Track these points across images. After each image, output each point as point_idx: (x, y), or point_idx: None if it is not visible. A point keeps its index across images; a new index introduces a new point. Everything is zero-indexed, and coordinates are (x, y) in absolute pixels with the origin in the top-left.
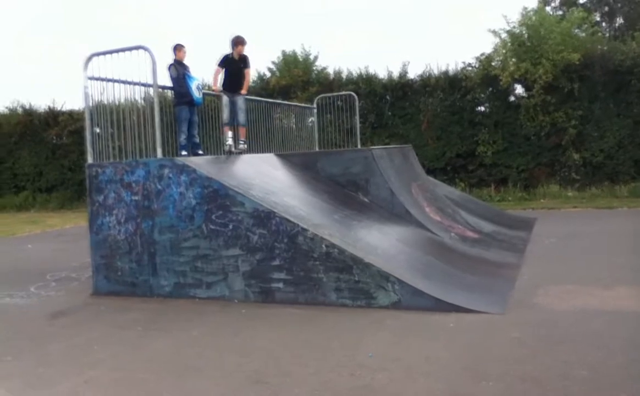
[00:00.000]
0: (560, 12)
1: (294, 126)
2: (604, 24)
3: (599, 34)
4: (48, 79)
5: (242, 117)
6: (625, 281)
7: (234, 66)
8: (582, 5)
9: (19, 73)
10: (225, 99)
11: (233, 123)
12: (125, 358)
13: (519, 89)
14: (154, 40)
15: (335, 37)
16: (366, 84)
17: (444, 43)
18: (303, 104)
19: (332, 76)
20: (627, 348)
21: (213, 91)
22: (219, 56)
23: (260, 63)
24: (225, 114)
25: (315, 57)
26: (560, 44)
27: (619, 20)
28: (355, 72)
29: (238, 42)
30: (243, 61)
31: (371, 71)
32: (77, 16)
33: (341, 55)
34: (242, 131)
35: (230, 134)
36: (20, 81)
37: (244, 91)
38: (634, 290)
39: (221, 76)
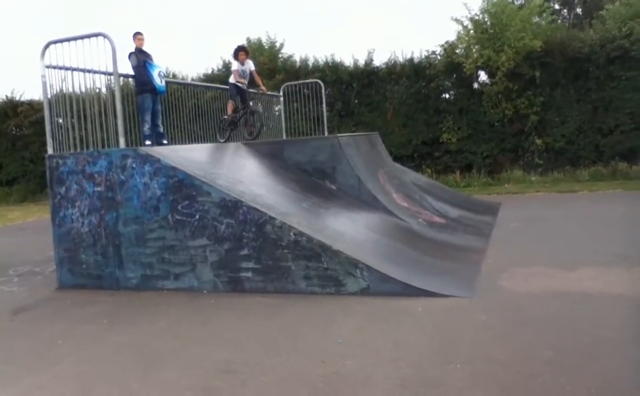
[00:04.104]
0: (520, 1)
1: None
2: (565, 11)
3: (558, 22)
4: None
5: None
6: (587, 263)
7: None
8: None
9: (18, 74)
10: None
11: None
12: (91, 351)
13: (483, 76)
14: (154, 40)
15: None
16: (332, 72)
17: (413, 30)
18: (269, 92)
19: (298, 64)
20: (590, 328)
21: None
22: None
23: (225, 52)
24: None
25: (281, 45)
26: (522, 31)
27: (578, 10)
28: (321, 60)
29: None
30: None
31: (337, 58)
32: (77, 16)
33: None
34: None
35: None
36: (20, 81)
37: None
38: (597, 271)
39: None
